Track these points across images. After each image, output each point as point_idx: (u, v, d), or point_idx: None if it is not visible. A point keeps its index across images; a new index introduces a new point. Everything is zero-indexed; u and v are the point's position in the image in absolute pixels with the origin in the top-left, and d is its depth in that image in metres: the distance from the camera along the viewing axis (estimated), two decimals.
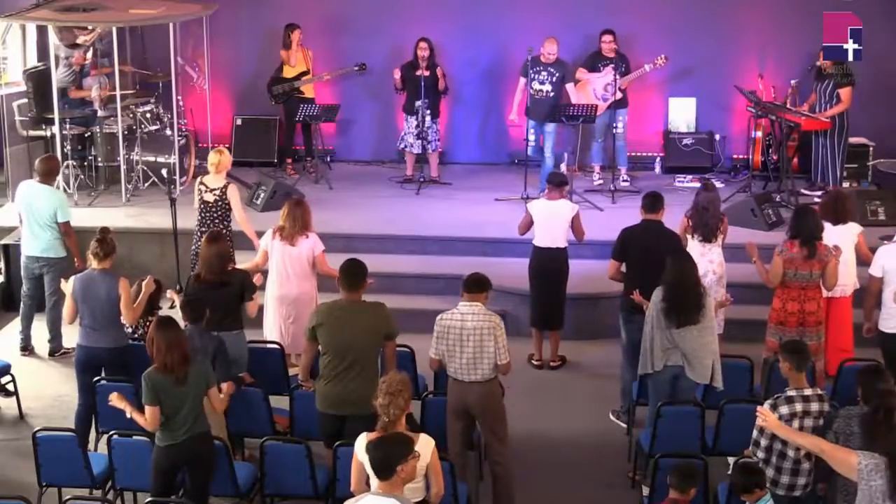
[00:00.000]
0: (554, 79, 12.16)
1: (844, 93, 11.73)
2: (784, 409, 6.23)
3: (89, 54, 12.42)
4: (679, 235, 8.65)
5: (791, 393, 6.31)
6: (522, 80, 12.31)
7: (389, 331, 7.08)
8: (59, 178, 11.65)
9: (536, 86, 12.19)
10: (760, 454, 6.33)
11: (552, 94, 12.20)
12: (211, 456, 6.75)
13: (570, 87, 12.31)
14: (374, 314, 7.06)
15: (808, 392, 6.33)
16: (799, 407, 6.26)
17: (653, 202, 8.52)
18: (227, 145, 13.69)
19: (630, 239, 8.54)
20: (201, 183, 9.62)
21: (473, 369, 7.03)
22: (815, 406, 6.29)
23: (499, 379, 7.21)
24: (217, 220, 9.54)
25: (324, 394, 7.06)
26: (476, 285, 7.11)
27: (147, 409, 6.57)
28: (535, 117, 12.27)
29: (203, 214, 9.58)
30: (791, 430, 6.14)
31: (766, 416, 6.12)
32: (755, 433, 6.36)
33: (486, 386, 7.07)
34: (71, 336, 9.36)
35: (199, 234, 9.51)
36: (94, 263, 7.94)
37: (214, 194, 9.53)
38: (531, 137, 12.31)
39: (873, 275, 8.22)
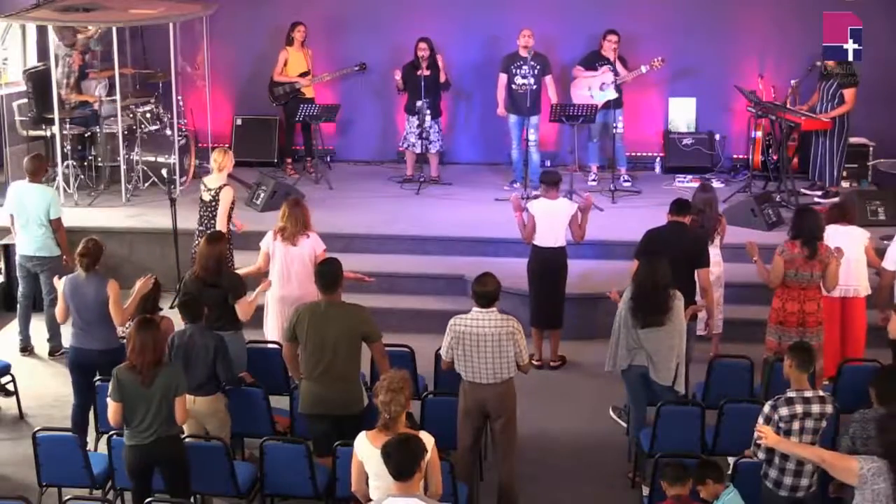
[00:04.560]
0: (535, 72, 12.21)
1: (848, 93, 11.70)
2: (784, 411, 6.23)
3: (87, 56, 12.41)
4: (705, 238, 8.65)
5: (791, 394, 6.30)
6: (504, 77, 12.35)
7: (367, 332, 7.05)
8: (59, 178, 11.70)
9: (519, 80, 12.23)
10: (762, 454, 6.32)
11: (535, 87, 12.24)
12: (180, 458, 6.71)
13: (548, 79, 12.34)
14: (351, 315, 7.05)
15: (808, 394, 6.31)
16: (799, 409, 6.24)
17: (680, 206, 8.56)
18: (227, 145, 13.77)
19: (655, 239, 8.50)
20: (203, 182, 9.68)
21: (492, 373, 7.03)
22: (815, 408, 6.27)
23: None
24: (213, 219, 9.55)
25: (305, 393, 7.08)
26: (488, 299, 7.00)
27: (110, 404, 6.62)
28: (520, 111, 12.28)
29: (201, 213, 9.61)
30: (790, 443, 6.17)
31: (765, 433, 6.16)
32: (756, 434, 6.36)
33: (504, 386, 7.09)
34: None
35: (198, 233, 9.54)
36: (80, 271, 7.91)
37: (210, 194, 9.54)
38: (531, 137, 12.31)
39: (886, 268, 8.33)
